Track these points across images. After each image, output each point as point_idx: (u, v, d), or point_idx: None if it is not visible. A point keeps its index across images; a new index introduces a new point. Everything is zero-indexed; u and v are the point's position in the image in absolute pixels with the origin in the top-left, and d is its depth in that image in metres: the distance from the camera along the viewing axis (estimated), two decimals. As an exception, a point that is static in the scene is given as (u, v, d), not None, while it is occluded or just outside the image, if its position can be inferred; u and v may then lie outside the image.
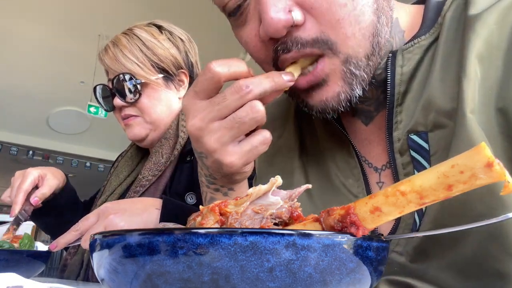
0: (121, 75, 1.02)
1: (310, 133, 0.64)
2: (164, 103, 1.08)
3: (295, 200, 0.36)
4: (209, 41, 4.47)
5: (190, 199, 1.00)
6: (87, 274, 1.03)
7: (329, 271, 0.27)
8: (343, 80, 0.48)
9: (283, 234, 0.26)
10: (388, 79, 0.52)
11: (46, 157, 6.41)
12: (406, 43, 0.53)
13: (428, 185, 0.28)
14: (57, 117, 5.88)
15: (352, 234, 0.29)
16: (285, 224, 0.35)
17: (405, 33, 0.55)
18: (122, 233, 0.28)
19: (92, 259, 0.32)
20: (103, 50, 1.08)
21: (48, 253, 0.82)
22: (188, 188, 1.01)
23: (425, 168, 0.49)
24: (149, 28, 1.10)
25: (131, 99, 1.04)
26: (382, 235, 0.52)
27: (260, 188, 0.34)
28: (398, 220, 0.51)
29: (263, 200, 0.35)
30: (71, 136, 6.43)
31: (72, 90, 5.20)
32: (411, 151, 0.50)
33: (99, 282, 0.40)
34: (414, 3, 0.60)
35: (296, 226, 0.34)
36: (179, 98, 1.13)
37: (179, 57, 1.11)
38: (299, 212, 0.36)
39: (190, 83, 1.15)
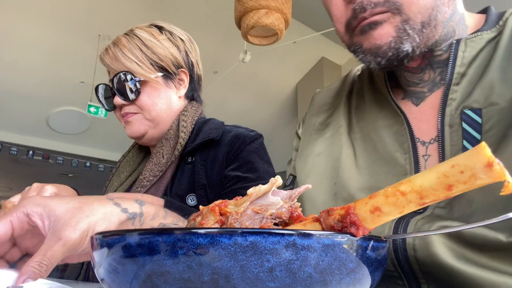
0: (120, 74, 1.03)
1: (359, 113, 0.73)
2: (164, 101, 1.09)
3: (295, 200, 0.36)
4: (209, 41, 4.47)
5: (191, 200, 0.99)
6: (87, 274, 1.02)
7: (329, 271, 0.27)
8: (396, 32, 0.56)
9: (283, 234, 0.26)
10: (450, 60, 0.61)
11: (46, 157, 6.41)
12: (470, 35, 0.62)
13: (428, 185, 0.28)
14: (57, 117, 5.88)
15: (352, 234, 0.29)
16: (285, 224, 0.35)
17: (468, 28, 0.64)
18: (122, 233, 0.28)
19: (92, 259, 0.32)
20: (104, 51, 1.09)
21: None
22: (189, 190, 1.01)
23: (475, 138, 0.55)
24: (149, 28, 1.11)
25: (130, 97, 1.04)
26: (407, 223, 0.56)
27: (260, 188, 0.34)
28: None
29: (263, 200, 0.35)
30: (71, 136, 6.43)
31: (72, 90, 5.21)
32: (463, 123, 0.56)
33: (99, 282, 0.40)
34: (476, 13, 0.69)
35: (296, 226, 0.34)
36: (179, 97, 1.14)
37: (179, 56, 1.11)
38: (299, 212, 0.36)
39: (190, 83, 1.15)
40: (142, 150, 1.23)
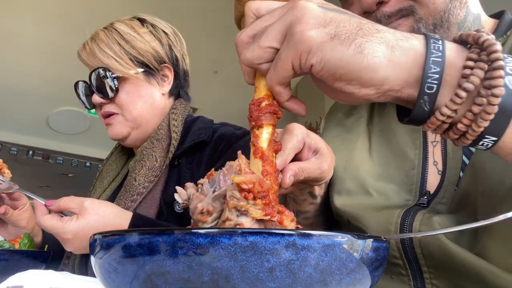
0: (99, 70, 0.97)
1: (381, 110, 0.77)
2: (145, 99, 1.02)
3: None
4: (209, 41, 4.47)
5: (178, 207, 0.93)
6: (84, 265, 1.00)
7: (329, 271, 0.27)
8: (410, 31, 0.60)
9: (283, 234, 0.26)
10: None
11: (46, 157, 6.41)
12: None
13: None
14: (57, 117, 5.87)
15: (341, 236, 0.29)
16: None
17: (484, 29, 0.66)
18: (122, 233, 0.28)
19: (91, 259, 0.32)
20: (82, 46, 1.03)
21: (48, 253, 0.82)
22: None
23: None
24: (130, 21, 1.06)
25: (109, 95, 0.98)
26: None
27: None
28: (443, 178, 0.61)
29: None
30: (71, 136, 6.42)
31: (72, 90, 5.18)
32: None
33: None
34: (491, 16, 0.72)
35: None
36: (163, 94, 1.07)
37: (162, 50, 1.05)
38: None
39: (175, 79, 1.09)
40: (125, 152, 1.17)
